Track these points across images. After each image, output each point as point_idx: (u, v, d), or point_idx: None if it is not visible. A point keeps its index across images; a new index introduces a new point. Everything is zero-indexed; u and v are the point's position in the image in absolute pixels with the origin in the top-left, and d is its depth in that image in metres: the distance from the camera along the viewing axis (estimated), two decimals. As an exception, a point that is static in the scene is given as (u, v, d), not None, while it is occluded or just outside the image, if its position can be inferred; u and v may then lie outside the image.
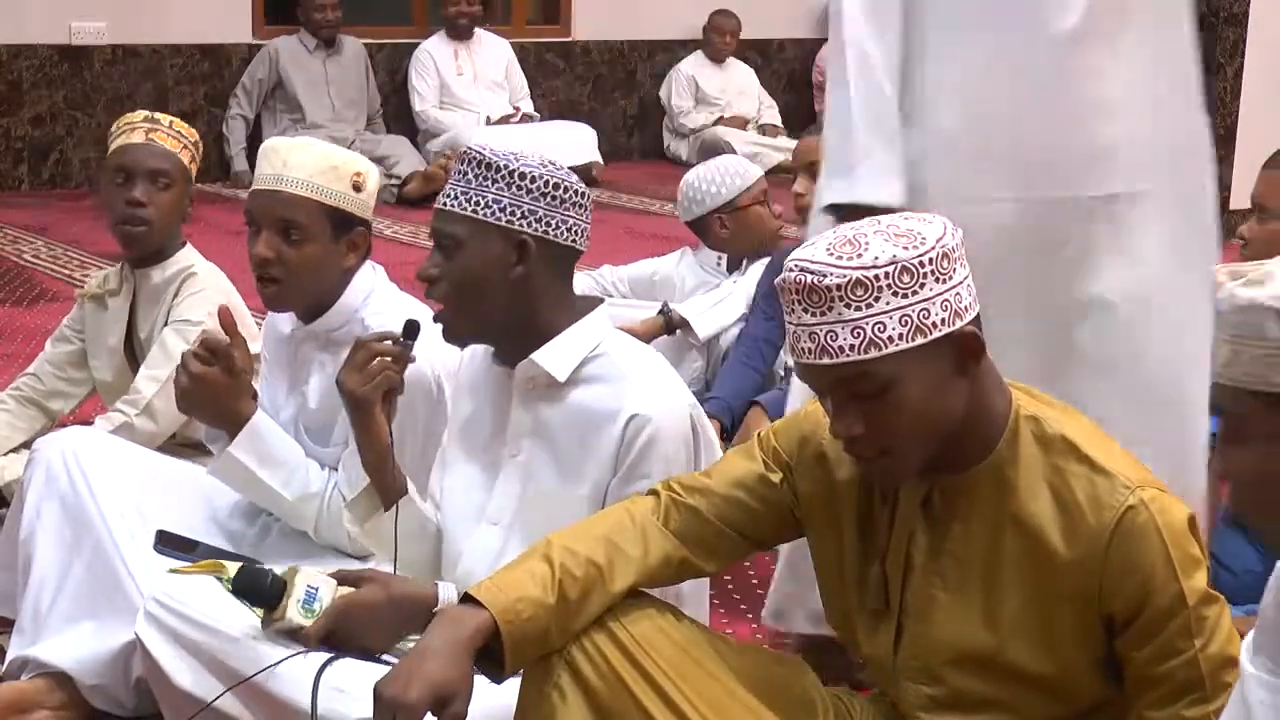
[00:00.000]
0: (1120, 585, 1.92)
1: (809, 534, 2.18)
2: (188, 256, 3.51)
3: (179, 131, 3.48)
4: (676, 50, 10.20)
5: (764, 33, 10.42)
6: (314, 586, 2.28)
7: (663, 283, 4.52)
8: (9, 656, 2.87)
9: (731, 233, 4.39)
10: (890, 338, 1.88)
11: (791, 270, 1.90)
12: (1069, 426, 2.00)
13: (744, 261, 4.41)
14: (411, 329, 2.51)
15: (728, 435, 3.91)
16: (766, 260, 4.31)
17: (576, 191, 2.42)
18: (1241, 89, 7.77)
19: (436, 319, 2.45)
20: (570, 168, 2.50)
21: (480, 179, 2.39)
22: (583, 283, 4.52)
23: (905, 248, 1.89)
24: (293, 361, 2.97)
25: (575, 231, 2.42)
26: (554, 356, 2.42)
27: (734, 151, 9.61)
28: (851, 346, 1.88)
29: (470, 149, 2.42)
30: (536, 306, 2.42)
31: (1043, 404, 2.04)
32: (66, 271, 6.67)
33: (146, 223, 3.42)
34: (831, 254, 1.89)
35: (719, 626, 3.10)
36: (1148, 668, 1.93)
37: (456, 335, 2.47)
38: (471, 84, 9.31)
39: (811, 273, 1.88)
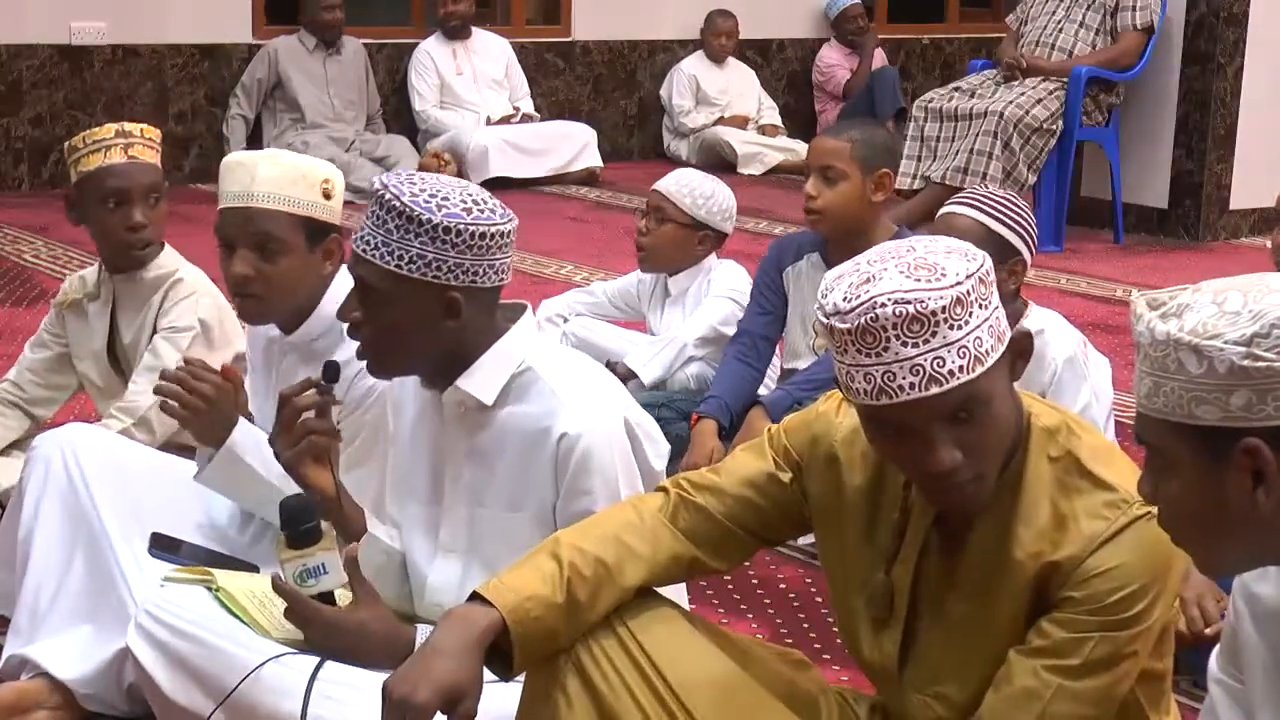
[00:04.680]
0: (1089, 574, 1.91)
1: (816, 533, 2.17)
2: (170, 260, 3.50)
3: (150, 139, 3.46)
4: (676, 50, 10.20)
5: (764, 33, 10.42)
6: (325, 569, 2.26)
7: (645, 292, 4.51)
8: (5, 654, 2.87)
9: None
10: (987, 351, 1.85)
11: (881, 305, 1.81)
12: (1078, 442, 1.98)
13: (665, 283, 4.40)
14: (331, 371, 2.47)
15: (726, 435, 3.90)
16: (699, 284, 4.30)
17: (501, 233, 2.33)
18: (1241, 89, 7.77)
19: (358, 355, 2.40)
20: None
21: (402, 231, 2.29)
22: (581, 300, 4.56)
23: (969, 260, 1.86)
24: (275, 373, 2.96)
25: (501, 271, 2.35)
26: (479, 381, 2.37)
27: (734, 152, 9.69)
28: (961, 368, 1.83)
29: (388, 194, 2.30)
30: (462, 341, 2.37)
31: (1054, 413, 2.02)
32: (66, 271, 6.63)
33: (150, 242, 3.44)
34: (915, 280, 1.82)
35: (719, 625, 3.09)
36: (1047, 621, 1.93)
37: (382, 374, 2.45)
38: (471, 83, 9.29)
39: (909, 301, 1.81)
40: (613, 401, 2.41)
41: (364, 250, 2.32)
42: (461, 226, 2.29)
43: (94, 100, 8.69)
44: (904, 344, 1.82)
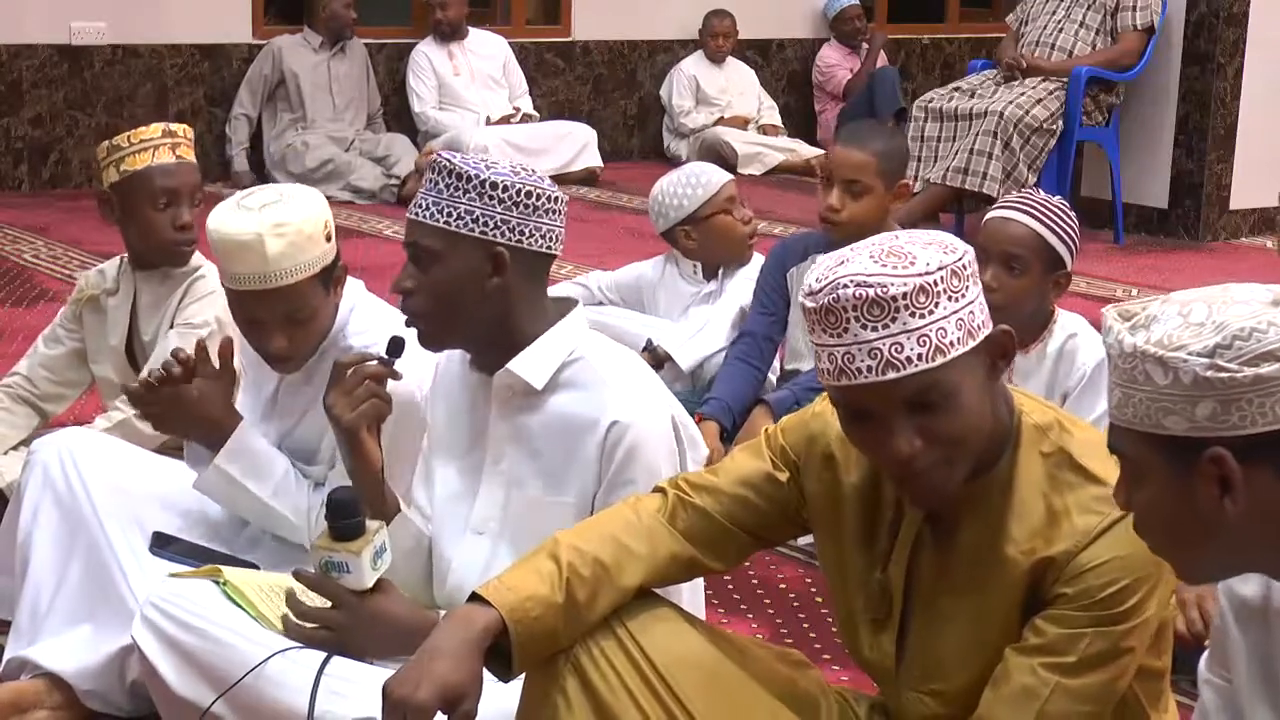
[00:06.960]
0: (1081, 569, 1.92)
1: (815, 534, 2.17)
2: (194, 258, 3.51)
3: (190, 139, 3.49)
4: (676, 50, 10.20)
5: (764, 33, 10.42)
6: (348, 568, 2.29)
7: (648, 288, 4.48)
8: (6, 655, 2.87)
9: (698, 243, 4.31)
10: (951, 343, 1.86)
11: (844, 286, 1.84)
12: (1070, 438, 1.99)
13: (719, 271, 4.34)
14: (396, 346, 2.47)
15: (728, 437, 3.89)
16: (741, 272, 4.27)
17: (549, 197, 2.40)
18: (1241, 89, 7.77)
19: (409, 324, 2.43)
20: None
21: (451, 189, 2.36)
22: (572, 291, 4.49)
23: (946, 252, 1.88)
24: (276, 388, 2.95)
25: (549, 237, 2.41)
26: (531, 364, 2.40)
27: (734, 152, 9.69)
28: (920, 355, 1.84)
29: (440, 158, 2.39)
30: (513, 314, 2.40)
31: (1047, 410, 2.03)
32: (66, 271, 6.65)
33: (194, 242, 3.44)
34: (882, 265, 1.85)
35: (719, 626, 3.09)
36: (1042, 618, 1.94)
37: (434, 343, 2.46)
38: (469, 83, 9.29)
39: (871, 285, 1.83)
40: (663, 399, 2.44)
41: (416, 214, 2.39)
42: (508, 183, 2.37)
43: (94, 100, 8.69)
44: (863, 326, 1.84)
